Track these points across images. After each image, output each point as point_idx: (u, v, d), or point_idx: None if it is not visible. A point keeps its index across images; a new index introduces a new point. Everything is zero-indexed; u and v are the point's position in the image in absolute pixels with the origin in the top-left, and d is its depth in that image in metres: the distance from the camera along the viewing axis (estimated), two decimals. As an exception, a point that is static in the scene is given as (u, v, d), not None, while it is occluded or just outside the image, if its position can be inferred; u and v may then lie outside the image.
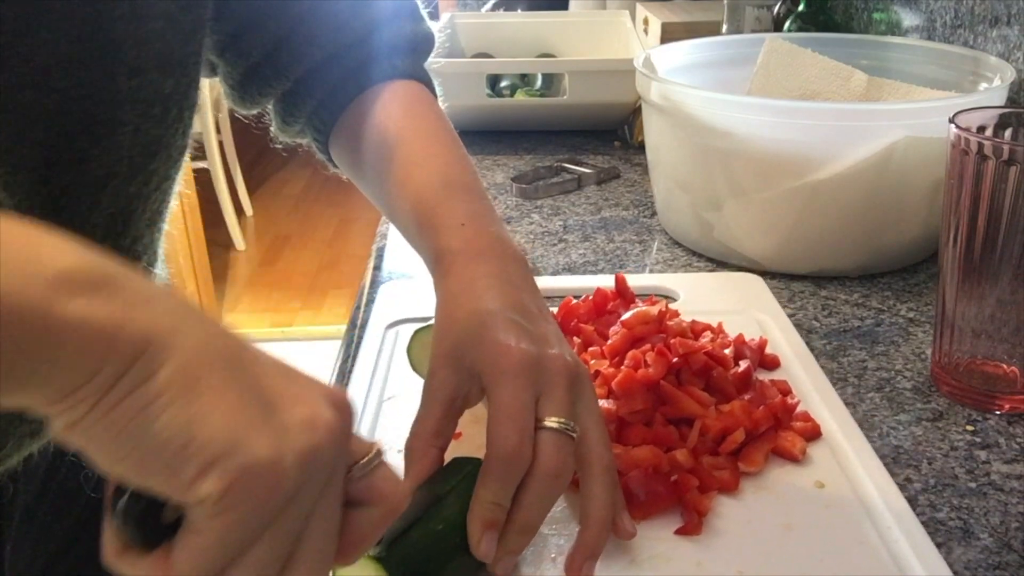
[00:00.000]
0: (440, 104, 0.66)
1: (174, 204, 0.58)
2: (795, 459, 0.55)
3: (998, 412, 0.61)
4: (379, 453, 0.35)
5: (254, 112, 0.67)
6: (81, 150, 0.47)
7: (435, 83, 0.69)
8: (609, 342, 0.62)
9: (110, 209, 0.50)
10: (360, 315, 0.77)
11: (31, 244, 0.27)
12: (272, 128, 0.68)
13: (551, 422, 0.44)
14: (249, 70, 0.62)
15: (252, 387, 0.30)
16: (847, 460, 0.55)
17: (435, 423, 0.47)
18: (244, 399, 0.29)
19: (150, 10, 0.47)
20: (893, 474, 0.55)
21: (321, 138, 0.66)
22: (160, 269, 0.59)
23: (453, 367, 0.47)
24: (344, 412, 0.33)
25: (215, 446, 0.28)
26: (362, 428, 0.59)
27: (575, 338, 0.66)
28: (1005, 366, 0.61)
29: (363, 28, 0.63)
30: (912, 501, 0.53)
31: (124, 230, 0.52)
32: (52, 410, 0.28)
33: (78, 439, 0.28)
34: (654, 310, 0.62)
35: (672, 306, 0.70)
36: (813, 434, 0.57)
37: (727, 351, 0.61)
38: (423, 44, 0.68)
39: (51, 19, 0.43)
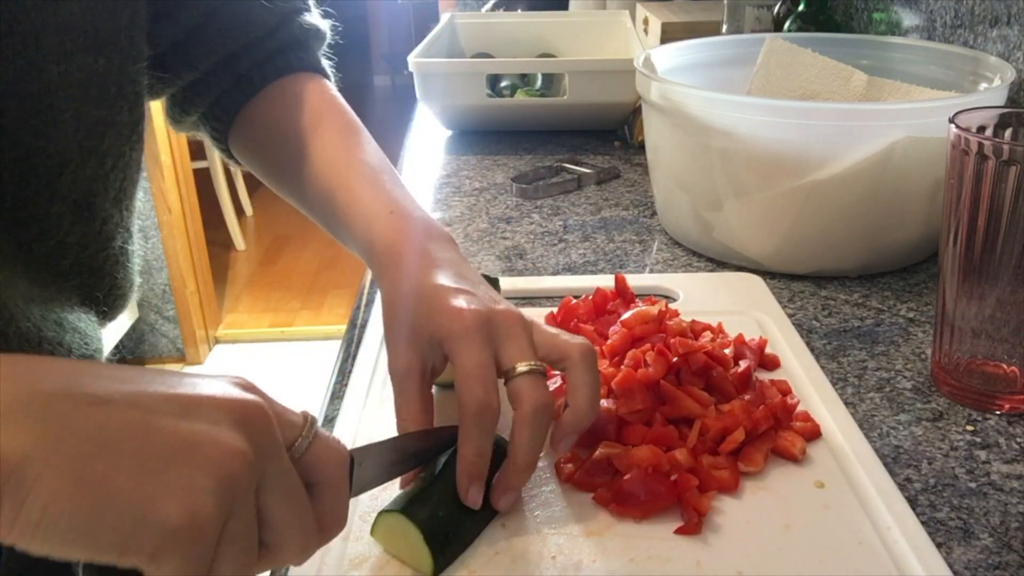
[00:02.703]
0: (329, 88, 0.69)
1: (143, 179, 0.58)
2: (795, 459, 0.55)
3: (998, 412, 0.61)
4: (311, 426, 0.37)
5: (153, 101, 0.69)
6: (26, 143, 0.47)
7: (331, 76, 0.71)
8: (609, 342, 0.62)
9: (72, 196, 0.50)
10: (360, 315, 0.77)
11: None
12: (165, 119, 0.69)
13: (521, 367, 0.48)
14: (155, 59, 0.62)
15: (142, 450, 0.30)
16: (847, 460, 0.55)
17: (418, 402, 0.50)
18: (137, 471, 0.30)
19: None
20: (893, 474, 0.55)
21: (219, 131, 0.67)
22: (135, 246, 0.59)
23: (413, 344, 0.51)
24: (254, 414, 0.34)
25: (122, 526, 0.29)
26: (362, 429, 0.59)
27: None
28: (1005, 366, 0.61)
29: (272, 23, 0.65)
30: (912, 501, 0.53)
31: (91, 214, 0.52)
32: None
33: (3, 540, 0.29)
34: (654, 310, 0.62)
35: (672, 306, 0.70)
36: (813, 434, 0.57)
37: (727, 351, 0.61)
38: (318, 40, 0.70)
39: None
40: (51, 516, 0.28)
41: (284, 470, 0.35)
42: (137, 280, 0.61)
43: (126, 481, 0.29)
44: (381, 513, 0.48)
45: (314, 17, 0.70)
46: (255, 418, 0.34)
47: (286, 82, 0.66)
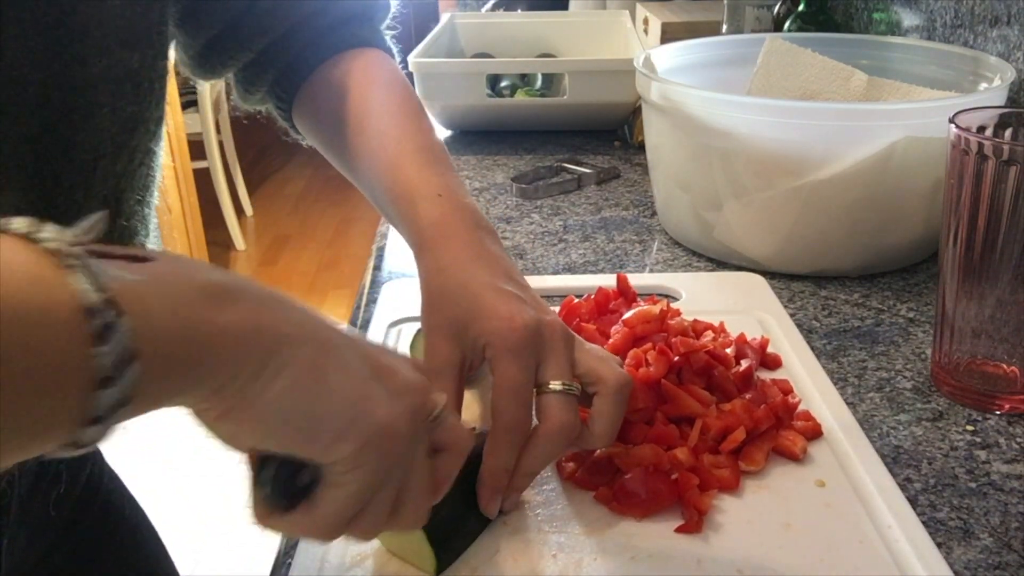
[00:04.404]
0: (400, 70, 0.67)
1: (160, 178, 0.58)
2: (796, 458, 0.55)
3: (998, 412, 0.61)
4: (445, 405, 0.41)
5: (213, 81, 0.68)
6: (66, 138, 0.47)
7: (394, 50, 0.70)
8: (610, 341, 0.62)
9: (103, 191, 0.50)
10: (360, 315, 0.77)
11: (174, 268, 0.31)
12: (233, 96, 0.69)
13: (555, 385, 0.48)
14: (210, 42, 0.62)
15: (362, 365, 0.36)
16: (848, 459, 0.55)
17: (452, 398, 0.49)
18: (359, 376, 0.36)
19: None
20: (893, 474, 0.55)
21: (284, 106, 0.67)
22: (154, 243, 0.59)
23: (455, 340, 0.49)
24: (421, 376, 0.40)
25: (344, 416, 0.34)
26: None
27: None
28: (1005, 366, 0.61)
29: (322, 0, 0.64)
30: (912, 501, 0.53)
31: (118, 210, 0.53)
32: (204, 406, 0.31)
33: (228, 427, 0.33)
34: (656, 309, 0.62)
35: (674, 305, 0.70)
36: (814, 433, 0.57)
37: (728, 350, 0.61)
38: (381, 11, 0.69)
39: (17, 14, 0.43)
40: (289, 399, 0.32)
41: (425, 437, 0.40)
42: None
43: (346, 380, 0.35)
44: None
45: None
46: (420, 375, 0.40)
47: (342, 58, 0.64)
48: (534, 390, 0.48)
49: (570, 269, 0.84)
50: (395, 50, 0.70)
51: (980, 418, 0.61)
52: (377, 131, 0.60)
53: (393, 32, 0.70)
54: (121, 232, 0.54)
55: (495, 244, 0.54)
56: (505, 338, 0.47)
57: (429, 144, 0.60)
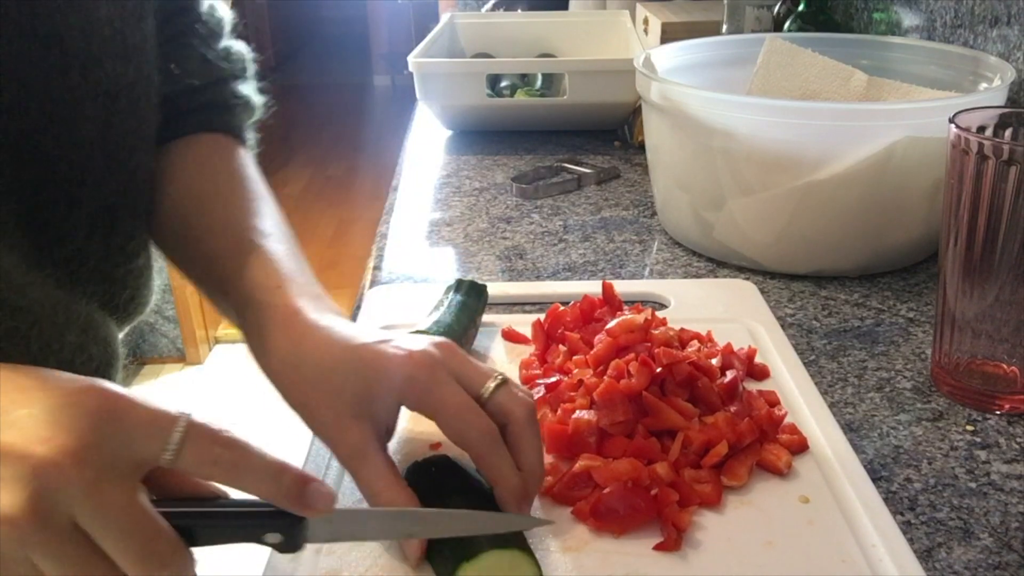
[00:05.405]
0: (246, 155, 0.63)
1: None
2: (780, 473, 0.53)
3: (998, 412, 0.61)
4: (184, 431, 0.35)
5: None
6: (46, 149, 0.46)
7: (250, 138, 0.66)
8: (594, 351, 0.60)
9: (90, 207, 0.49)
10: (360, 316, 0.77)
11: None
12: None
13: (491, 384, 0.47)
14: None
15: None
16: (833, 474, 0.53)
17: (389, 471, 0.46)
18: None
19: None
20: (893, 474, 0.54)
21: None
22: (159, 263, 0.58)
23: (361, 414, 0.45)
24: (77, 431, 0.33)
25: None
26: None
27: (560, 346, 0.64)
28: (1005, 366, 0.61)
29: (203, 80, 0.61)
30: (912, 501, 0.53)
31: (113, 228, 0.51)
32: None
33: None
34: (639, 318, 0.61)
35: (663, 313, 0.69)
36: (800, 447, 0.55)
37: (714, 361, 0.59)
38: (246, 109, 0.65)
39: None
40: None
41: (107, 487, 0.33)
42: (155, 296, 0.60)
43: None
44: (482, 552, 0.44)
45: (249, 88, 0.65)
46: (79, 428, 0.33)
47: (202, 138, 0.61)
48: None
49: (570, 269, 0.84)
50: (252, 139, 0.66)
51: (980, 418, 0.61)
52: (220, 217, 0.56)
53: (254, 122, 0.67)
54: (118, 251, 0.52)
55: (341, 319, 0.49)
56: (414, 376, 0.45)
57: (273, 232, 0.55)
